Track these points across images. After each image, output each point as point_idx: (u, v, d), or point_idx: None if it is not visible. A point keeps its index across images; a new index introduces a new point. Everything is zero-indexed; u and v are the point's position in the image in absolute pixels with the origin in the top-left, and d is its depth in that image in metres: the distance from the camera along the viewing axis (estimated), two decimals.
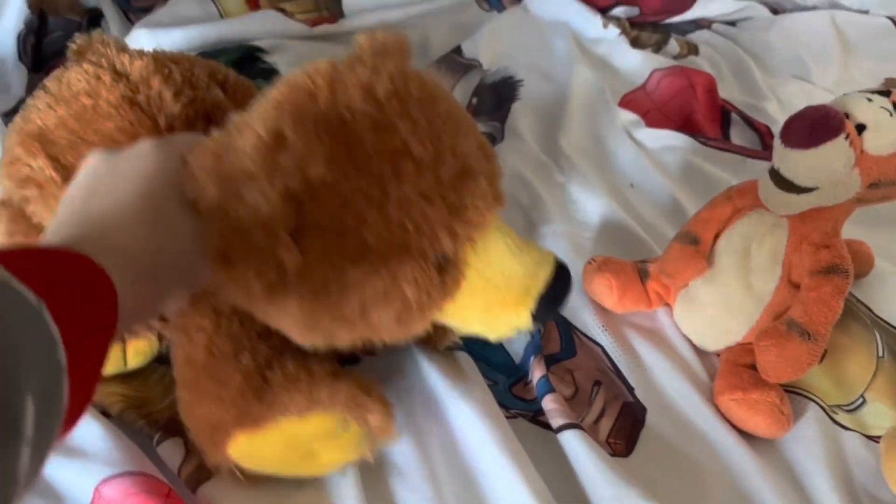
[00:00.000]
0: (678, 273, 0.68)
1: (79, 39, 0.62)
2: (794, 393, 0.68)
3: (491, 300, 0.49)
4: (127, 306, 0.37)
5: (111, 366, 0.61)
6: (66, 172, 0.55)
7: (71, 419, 0.32)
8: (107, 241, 0.39)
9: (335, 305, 0.46)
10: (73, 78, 0.58)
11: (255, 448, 0.52)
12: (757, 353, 0.63)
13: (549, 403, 0.63)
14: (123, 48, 0.62)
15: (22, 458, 0.26)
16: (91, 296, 0.35)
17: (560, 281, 0.49)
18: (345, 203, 0.43)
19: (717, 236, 0.68)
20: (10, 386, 0.26)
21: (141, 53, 0.60)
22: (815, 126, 0.59)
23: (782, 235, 0.64)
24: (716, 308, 0.68)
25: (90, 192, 0.43)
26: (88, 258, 0.36)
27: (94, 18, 1.09)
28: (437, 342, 0.65)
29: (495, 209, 0.49)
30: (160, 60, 0.60)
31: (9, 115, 0.90)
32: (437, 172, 0.45)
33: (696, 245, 0.67)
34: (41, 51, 1.03)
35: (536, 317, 0.49)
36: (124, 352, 0.61)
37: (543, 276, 0.48)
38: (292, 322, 0.48)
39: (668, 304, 0.74)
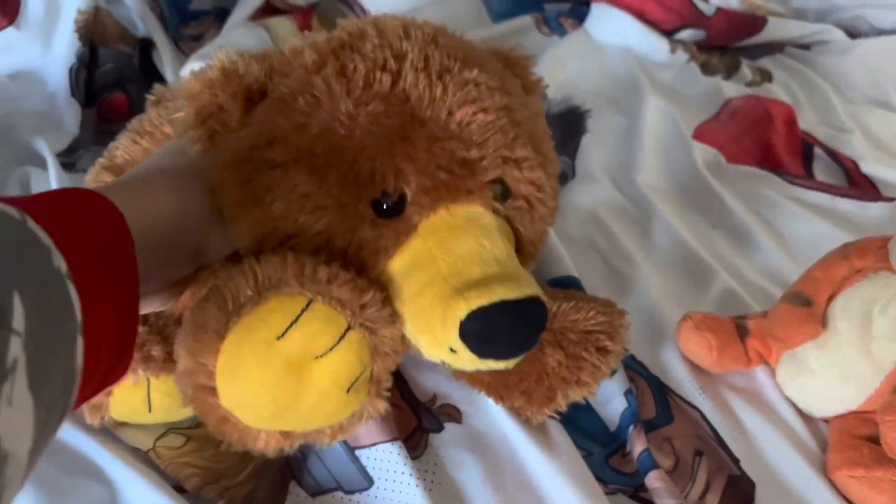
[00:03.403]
0: (789, 337, 0.63)
1: (156, 90, 0.64)
2: None
3: (427, 284, 0.43)
4: (143, 259, 0.38)
5: (132, 411, 0.58)
6: None
7: (104, 363, 0.34)
8: (127, 194, 0.40)
9: (260, 188, 0.45)
10: (153, 115, 0.59)
11: (235, 376, 0.40)
12: (883, 429, 0.58)
13: (654, 481, 0.59)
14: None
15: (11, 349, 0.25)
16: (104, 228, 0.36)
17: (520, 316, 0.42)
18: (307, 86, 0.44)
19: (830, 298, 0.63)
20: None
21: None
22: None
23: None
24: (828, 374, 0.63)
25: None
26: (102, 196, 0.37)
27: (145, 48, 1.06)
28: (532, 417, 0.60)
29: (475, 195, 0.46)
30: None
31: (63, 156, 0.88)
32: (414, 108, 0.45)
33: (809, 307, 0.63)
34: (92, 84, 1.00)
35: (465, 335, 0.41)
36: (148, 392, 0.56)
37: (499, 293, 0.41)
38: (227, 206, 0.46)
39: (767, 363, 0.69)
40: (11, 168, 0.85)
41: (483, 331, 0.42)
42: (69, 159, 0.89)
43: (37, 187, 0.82)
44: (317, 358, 0.40)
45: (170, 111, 0.58)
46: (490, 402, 0.62)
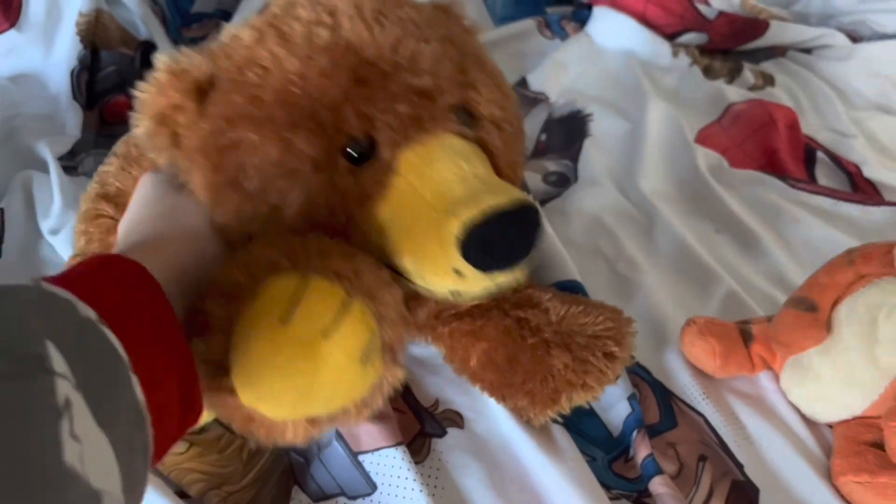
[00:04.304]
0: (794, 343, 0.63)
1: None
2: None
3: (416, 216, 0.44)
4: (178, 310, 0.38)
5: None
6: None
7: (173, 401, 0.35)
8: (143, 251, 0.41)
9: (231, 169, 0.45)
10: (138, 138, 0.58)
11: (250, 370, 0.40)
12: (887, 434, 0.58)
13: (658, 487, 0.59)
14: None
15: (59, 388, 0.26)
16: (125, 278, 0.37)
17: (515, 221, 0.42)
18: (252, 59, 0.45)
19: (835, 303, 0.63)
20: (18, 335, 0.27)
21: None
22: None
23: None
24: (833, 380, 0.63)
25: (124, 237, 0.46)
26: (122, 256, 0.38)
27: (147, 51, 1.06)
28: (534, 418, 0.60)
29: (440, 122, 0.46)
30: None
31: (64, 159, 0.87)
32: (359, 52, 0.45)
33: (814, 312, 0.62)
34: (94, 87, 1.00)
35: (467, 252, 0.41)
36: None
37: (488, 202, 0.41)
38: (206, 196, 0.47)
39: (771, 368, 0.69)
40: (14, 171, 0.84)
41: (481, 241, 0.42)
42: (71, 162, 0.88)
43: (39, 190, 0.81)
44: (325, 336, 0.39)
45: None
46: (493, 407, 0.62)
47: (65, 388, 0.27)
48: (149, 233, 0.45)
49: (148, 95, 0.46)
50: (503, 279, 0.45)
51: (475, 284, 0.44)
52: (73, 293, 0.31)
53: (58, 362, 0.27)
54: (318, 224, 0.45)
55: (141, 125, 0.46)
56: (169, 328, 0.37)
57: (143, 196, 0.50)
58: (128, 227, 0.48)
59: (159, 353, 0.35)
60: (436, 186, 0.44)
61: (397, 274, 0.47)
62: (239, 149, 0.45)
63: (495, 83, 0.51)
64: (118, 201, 0.59)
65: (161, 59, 0.46)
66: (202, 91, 0.46)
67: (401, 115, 0.45)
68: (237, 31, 0.48)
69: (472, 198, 0.42)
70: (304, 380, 0.39)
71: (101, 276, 0.36)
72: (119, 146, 0.62)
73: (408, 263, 0.45)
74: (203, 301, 0.41)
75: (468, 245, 0.42)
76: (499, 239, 0.42)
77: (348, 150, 0.45)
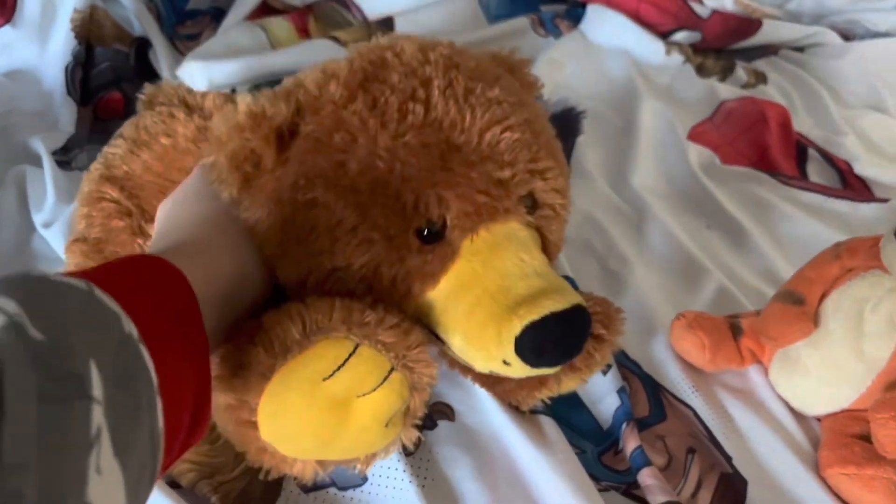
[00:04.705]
0: (782, 336, 0.63)
1: (147, 89, 0.63)
2: None
3: (476, 303, 0.44)
4: (207, 318, 0.38)
5: None
6: (149, 216, 0.56)
7: (185, 423, 0.34)
8: (188, 258, 0.40)
9: (303, 226, 0.45)
10: (149, 122, 0.59)
11: (279, 414, 0.42)
12: (874, 427, 0.58)
13: (646, 478, 0.59)
14: (190, 90, 0.63)
15: (94, 417, 0.26)
16: (169, 292, 0.36)
17: (569, 326, 0.43)
18: (341, 122, 0.44)
19: (822, 297, 0.63)
20: (64, 348, 0.26)
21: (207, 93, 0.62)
22: None
23: None
24: (820, 373, 0.63)
25: (171, 227, 0.46)
26: (164, 261, 0.38)
27: (141, 47, 1.07)
28: (522, 401, 0.60)
29: (511, 213, 0.47)
30: (229, 95, 0.62)
31: (58, 154, 0.88)
32: (448, 135, 0.45)
33: (802, 306, 0.63)
34: (88, 83, 1.00)
35: (521, 350, 0.43)
36: None
37: (548, 307, 0.43)
38: (269, 245, 0.46)
39: (760, 362, 0.69)
40: (7, 166, 0.85)
41: (537, 344, 0.43)
42: (65, 157, 0.89)
43: (32, 185, 0.82)
44: (359, 396, 0.41)
45: (164, 117, 0.59)
46: (484, 400, 0.62)
47: (98, 417, 0.26)
48: (195, 234, 0.44)
49: (224, 132, 0.45)
50: (545, 372, 0.47)
51: (517, 372, 0.46)
52: (119, 303, 0.31)
53: (96, 386, 0.26)
54: (379, 291, 0.46)
55: (215, 161, 0.45)
56: (198, 347, 0.37)
57: (194, 189, 0.49)
58: (171, 217, 0.47)
59: (185, 374, 0.35)
60: (499, 279, 0.44)
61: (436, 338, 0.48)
62: (315, 209, 0.45)
63: (559, 170, 0.51)
64: (124, 184, 0.58)
65: (243, 99, 0.45)
66: (282, 139, 0.45)
67: (478, 205, 0.45)
68: (324, 80, 0.47)
69: (534, 299, 0.43)
70: (329, 433, 0.42)
71: (144, 284, 0.35)
72: (127, 128, 0.61)
73: (456, 341, 0.46)
74: (245, 337, 0.42)
75: (524, 347, 0.43)
76: (553, 343, 0.44)
77: (421, 229, 0.46)
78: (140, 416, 0.29)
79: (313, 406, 0.41)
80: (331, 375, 0.40)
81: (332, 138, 0.45)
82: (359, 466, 0.46)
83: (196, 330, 0.37)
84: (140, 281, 0.35)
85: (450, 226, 0.46)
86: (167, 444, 0.32)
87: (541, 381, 0.56)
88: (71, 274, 0.31)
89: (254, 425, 0.42)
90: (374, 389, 0.41)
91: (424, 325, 0.47)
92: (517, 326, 0.43)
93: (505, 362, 0.45)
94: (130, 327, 0.31)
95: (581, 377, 0.57)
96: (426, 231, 0.46)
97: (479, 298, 0.44)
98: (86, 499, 0.24)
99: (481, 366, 0.47)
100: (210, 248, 0.44)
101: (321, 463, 0.45)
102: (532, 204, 0.50)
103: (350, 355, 0.40)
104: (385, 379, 0.41)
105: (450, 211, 0.45)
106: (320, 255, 0.45)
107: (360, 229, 0.44)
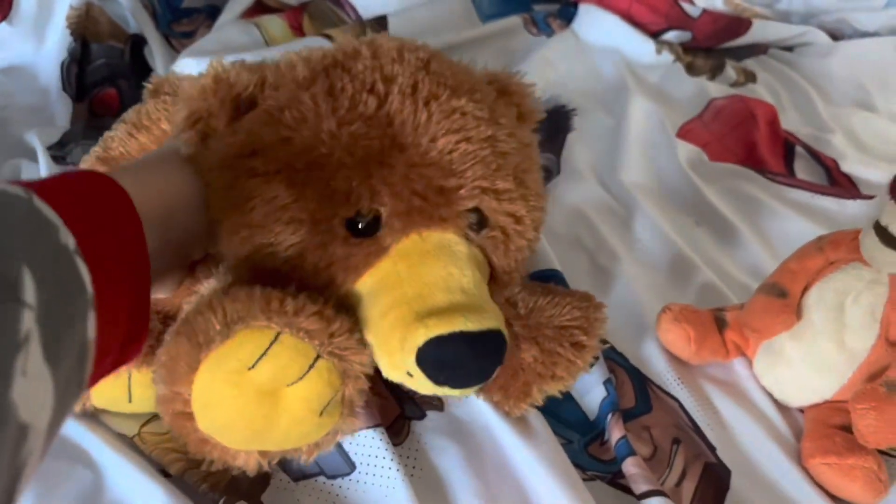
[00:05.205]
0: (765, 328, 0.64)
1: (154, 78, 0.64)
2: (887, 455, 0.64)
3: (392, 306, 0.44)
4: (152, 239, 0.39)
5: (113, 401, 0.58)
6: None
7: (118, 339, 0.35)
8: (132, 176, 0.41)
9: (242, 194, 0.45)
10: (151, 108, 0.60)
11: (210, 405, 0.42)
12: (854, 417, 0.59)
13: (631, 467, 0.60)
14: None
15: (24, 321, 0.26)
16: (111, 208, 0.37)
17: (478, 348, 0.43)
18: (295, 101, 0.45)
19: (805, 289, 0.64)
20: None
21: None
22: None
23: (881, 292, 0.60)
24: (803, 364, 0.64)
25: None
26: (109, 178, 0.38)
27: (137, 44, 1.07)
28: (510, 411, 0.61)
29: (449, 223, 0.46)
30: None
31: (53, 149, 0.88)
32: (396, 132, 0.45)
33: (784, 298, 0.64)
34: (84, 79, 1.01)
35: (422, 362, 0.42)
36: (129, 384, 0.58)
37: (459, 325, 0.42)
38: (212, 207, 0.47)
39: (745, 355, 0.70)
40: (3, 160, 0.85)
41: (439, 359, 0.43)
42: (60, 153, 0.89)
43: (27, 177, 0.82)
44: (288, 385, 0.41)
45: (167, 105, 0.59)
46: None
47: (29, 322, 0.26)
48: (147, 163, 0.46)
49: (190, 91, 0.46)
50: (451, 392, 0.45)
51: (422, 388, 0.45)
52: (59, 213, 0.31)
53: (29, 292, 0.26)
54: (302, 275, 0.46)
55: (176, 117, 0.47)
56: (137, 264, 0.37)
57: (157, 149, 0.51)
58: (138, 159, 0.49)
59: (121, 290, 0.35)
60: (420, 286, 0.44)
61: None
62: (253, 179, 0.45)
63: (521, 194, 0.50)
64: (119, 163, 0.58)
65: (214, 63, 0.46)
66: (239, 108, 0.47)
67: (413, 208, 0.45)
68: (296, 60, 0.48)
69: (448, 313, 0.42)
70: (262, 422, 0.42)
71: (85, 196, 0.35)
72: (129, 113, 0.62)
73: (370, 339, 0.46)
74: (178, 331, 0.43)
75: (425, 359, 0.42)
76: (457, 362, 0.43)
77: (352, 221, 0.46)
78: (71, 326, 0.30)
79: (241, 396, 0.41)
80: (254, 364, 0.40)
81: (284, 114, 0.45)
82: (303, 457, 0.46)
83: (136, 246, 0.37)
84: (81, 195, 0.36)
85: (383, 223, 0.46)
86: (97, 357, 0.33)
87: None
88: (13, 182, 0.31)
89: (189, 416, 0.42)
90: (301, 378, 0.41)
91: (353, 318, 0.46)
92: (421, 336, 0.42)
93: (409, 374, 0.44)
94: (68, 238, 0.31)
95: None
96: (358, 224, 0.46)
97: (396, 301, 0.44)
98: (10, 396, 0.25)
99: (387, 372, 0.46)
100: (156, 169, 0.45)
101: (263, 454, 0.45)
102: (481, 222, 0.49)
103: (272, 343, 0.41)
104: (311, 367, 0.41)
105: (384, 207, 0.45)
106: (254, 227, 0.46)
107: (291, 208, 0.45)
